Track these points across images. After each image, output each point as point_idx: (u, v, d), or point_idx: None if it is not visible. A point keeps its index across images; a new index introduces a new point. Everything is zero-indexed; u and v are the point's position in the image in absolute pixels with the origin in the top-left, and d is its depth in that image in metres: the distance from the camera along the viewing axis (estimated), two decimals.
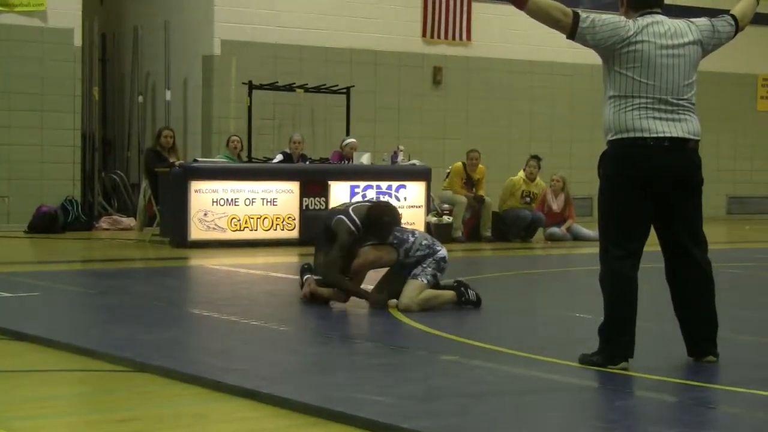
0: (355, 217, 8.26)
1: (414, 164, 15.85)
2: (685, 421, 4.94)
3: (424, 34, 19.40)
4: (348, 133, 17.25)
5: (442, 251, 8.44)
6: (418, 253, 8.30)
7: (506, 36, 19.93)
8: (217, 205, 13.89)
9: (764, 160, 22.82)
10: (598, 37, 6.03)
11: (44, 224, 15.92)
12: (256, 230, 14.08)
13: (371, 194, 14.97)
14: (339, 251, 8.22)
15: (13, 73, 16.63)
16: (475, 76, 19.81)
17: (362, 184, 14.95)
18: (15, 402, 5.33)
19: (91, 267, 12.33)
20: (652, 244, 6.42)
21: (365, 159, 15.64)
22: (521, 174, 16.20)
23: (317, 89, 17.81)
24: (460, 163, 16.25)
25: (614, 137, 6.05)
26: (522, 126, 20.20)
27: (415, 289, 8.24)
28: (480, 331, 7.49)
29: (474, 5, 19.52)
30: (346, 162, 15.76)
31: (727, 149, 22.38)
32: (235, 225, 13.99)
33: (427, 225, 15.25)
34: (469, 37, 19.65)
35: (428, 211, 15.42)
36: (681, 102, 6.05)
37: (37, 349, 6.69)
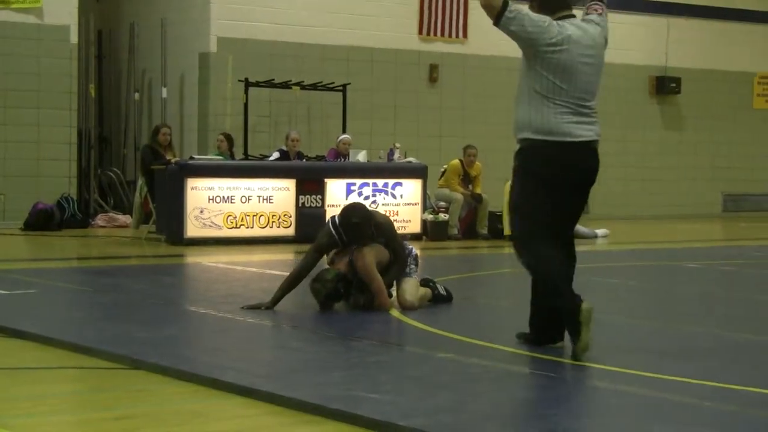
0: (337, 221, 8.27)
1: (410, 162, 15.85)
2: (683, 418, 4.95)
3: (420, 32, 19.40)
4: (344, 131, 17.26)
5: (414, 249, 8.49)
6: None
7: (502, 34, 19.88)
8: (213, 202, 13.88)
9: (760, 158, 22.84)
10: (523, 33, 6.32)
11: (40, 221, 15.91)
12: (252, 228, 14.08)
13: (367, 192, 14.97)
14: (312, 251, 8.22)
15: (9, 70, 16.61)
16: (471, 73, 19.81)
17: (358, 181, 14.95)
18: (11, 400, 5.33)
19: (88, 264, 12.33)
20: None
21: (361, 156, 15.64)
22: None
23: (314, 87, 17.81)
24: (457, 160, 16.25)
25: (536, 137, 6.35)
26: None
27: (414, 287, 8.26)
28: (476, 329, 7.48)
29: (470, 2, 19.52)
30: (343, 159, 15.76)
31: (723, 147, 22.40)
32: (231, 222, 13.98)
33: (424, 222, 15.25)
34: (465, 35, 19.65)
35: (424, 208, 15.42)
36: (592, 105, 6.39)
37: (34, 347, 6.68)
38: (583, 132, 6.38)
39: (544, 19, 6.34)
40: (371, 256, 8.08)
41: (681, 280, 11.25)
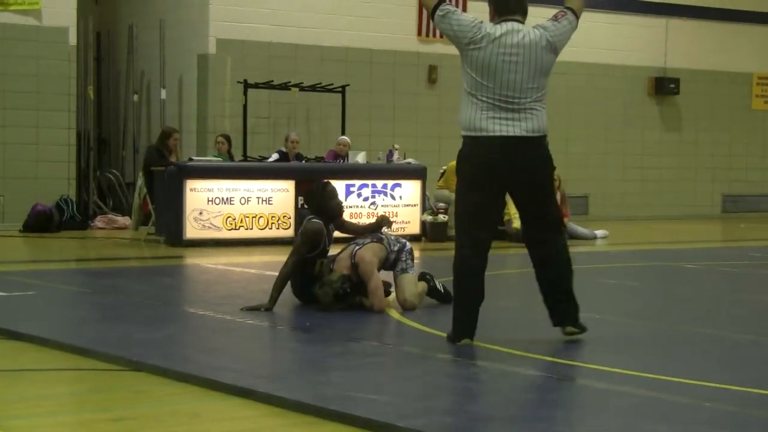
0: (312, 216, 8.35)
1: (409, 163, 15.85)
2: (682, 419, 4.94)
3: (419, 33, 19.40)
4: (343, 132, 17.25)
5: (408, 243, 8.49)
6: (396, 248, 8.32)
7: None
8: (212, 204, 13.88)
9: (759, 159, 22.84)
10: (449, 31, 6.72)
11: (39, 223, 15.90)
12: (251, 229, 14.07)
13: (366, 193, 14.97)
14: (300, 245, 8.21)
15: (7, 72, 16.61)
16: None
17: (357, 182, 14.95)
18: (10, 401, 5.33)
19: (86, 266, 12.32)
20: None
21: (360, 158, 15.64)
22: None
23: (312, 88, 17.80)
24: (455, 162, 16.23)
25: (464, 134, 6.80)
26: None
27: (413, 284, 8.26)
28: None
29: (469, 4, 19.51)
30: (342, 161, 15.76)
31: (722, 147, 22.39)
32: (231, 224, 13.98)
33: (423, 224, 15.25)
34: None
35: (424, 209, 15.41)
36: (521, 102, 6.55)
37: (32, 348, 6.68)
38: (502, 128, 6.57)
39: (471, 20, 6.67)
40: (371, 254, 8.08)
41: (680, 281, 11.25)
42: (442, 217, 15.47)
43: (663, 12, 21.37)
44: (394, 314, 7.95)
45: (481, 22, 6.70)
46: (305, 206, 8.60)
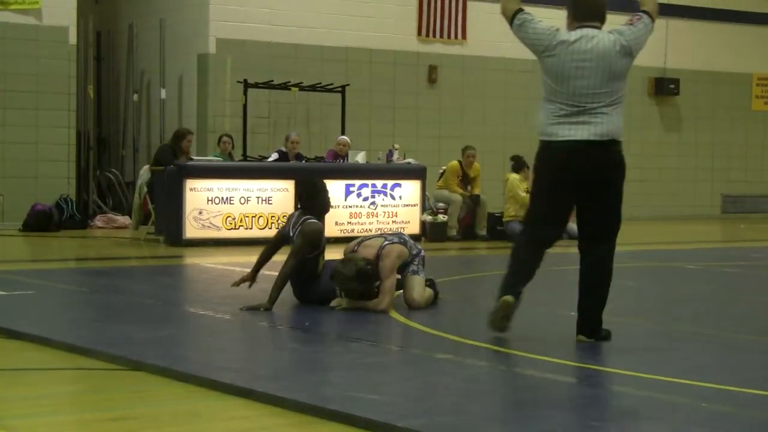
0: (309, 216, 8.36)
1: (409, 163, 15.85)
2: (681, 419, 4.94)
3: (419, 33, 19.40)
4: (343, 132, 17.25)
5: (423, 250, 8.51)
6: (413, 251, 8.34)
7: (501, 35, 19.86)
8: (212, 203, 13.88)
9: (759, 159, 22.85)
10: (526, 40, 6.89)
11: (39, 223, 15.90)
12: (251, 229, 14.07)
13: (366, 193, 14.96)
14: (301, 245, 8.22)
15: (7, 71, 16.61)
16: (470, 74, 19.82)
17: (357, 182, 14.95)
18: (10, 400, 5.33)
19: (86, 265, 12.32)
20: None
21: (360, 158, 15.64)
22: (514, 176, 16.03)
23: (312, 88, 17.80)
24: (455, 162, 16.25)
25: (540, 138, 6.88)
26: (517, 125, 20.20)
27: (422, 285, 8.30)
28: (474, 330, 7.48)
29: (469, 4, 19.53)
30: (341, 160, 15.76)
31: (722, 148, 22.40)
32: (230, 223, 13.98)
33: (423, 224, 15.25)
34: (464, 36, 19.65)
35: (423, 209, 15.42)
36: (591, 107, 6.66)
37: (32, 348, 6.68)
38: (570, 132, 6.68)
39: (547, 28, 6.83)
40: (396, 255, 8.11)
41: (680, 282, 11.25)
42: (441, 217, 15.48)
43: (663, 13, 21.23)
44: (395, 315, 7.95)
45: (557, 29, 6.85)
46: (299, 203, 8.61)
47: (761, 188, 22.83)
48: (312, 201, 8.49)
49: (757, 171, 22.81)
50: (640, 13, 6.96)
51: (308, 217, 8.37)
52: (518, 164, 15.94)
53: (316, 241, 8.28)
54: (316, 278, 8.32)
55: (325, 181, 8.86)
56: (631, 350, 6.77)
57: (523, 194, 15.64)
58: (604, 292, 6.85)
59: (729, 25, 22.19)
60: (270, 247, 8.65)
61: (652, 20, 6.97)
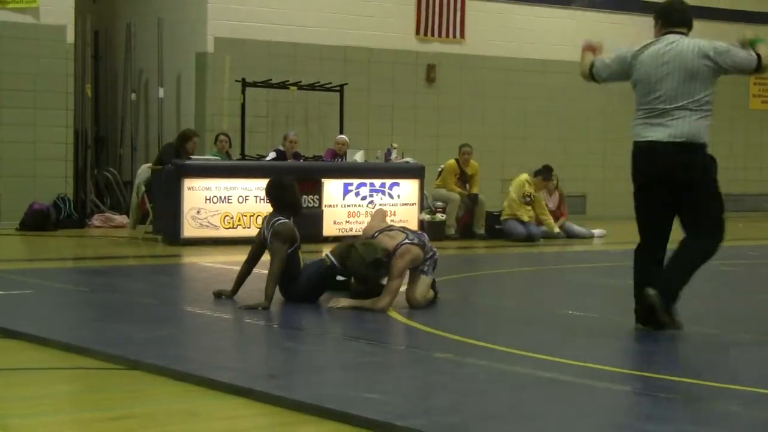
0: (278, 218, 8.35)
1: (407, 162, 15.84)
2: (681, 418, 4.93)
3: (417, 32, 19.39)
4: (341, 131, 17.24)
5: (437, 253, 8.49)
6: (428, 254, 8.33)
7: (500, 34, 19.93)
8: (210, 202, 13.86)
9: (757, 158, 22.84)
10: (614, 75, 7.36)
11: (36, 222, 15.88)
12: (249, 228, 14.04)
13: (365, 192, 14.96)
14: (281, 243, 8.22)
15: (6, 70, 16.59)
16: (468, 74, 19.80)
17: (356, 181, 14.93)
18: (7, 400, 5.31)
19: (84, 264, 12.31)
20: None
21: (359, 156, 15.63)
22: (525, 176, 16.03)
23: (311, 87, 17.79)
24: (453, 160, 16.25)
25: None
26: (516, 124, 20.20)
27: (427, 287, 8.30)
28: (473, 329, 7.47)
29: (468, 3, 19.52)
30: (340, 159, 15.75)
31: (720, 147, 22.32)
32: (228, 222, 13.96)
33: (421, 223, 15.24)
34: (462, 35, 19.64)
35: (421, 208, 15.41)
36: (670, 109, 6.99)
37: (30, 347, 6.67)
38: (649, 133, 7.05)
39: (619, 56, 7.31)
40: (411, 257, 8.09)
41: None
42: (440, 216, 15.47)
43: (643, 9, 21.35)
44: (393, 314, 7.94)
45: (630, 50, 7.28)
46: (272, 201, 8.56)
47: (760, 187, 22.82)
48: (280, 201, 8.48)
49: (756, 170, 22.80)
50: (753, 51, 7.10)
51: (278, 218, 8.36)
52: (540, 171, 16.05)
53: (292, 238, 8.29)
54: (299, 275, 8.33)
55: (292, 178, 8.81)
56: (629, 350, 6.76)
57: (514, 195, 15.65)
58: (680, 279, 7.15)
59: (729, 24, 22.18)
60: (249, 260, 8.68)
61: (759, 61, 7.08)
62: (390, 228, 8.44)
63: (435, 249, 8.46)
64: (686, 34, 7.17)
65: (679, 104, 6.98)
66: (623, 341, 7.06)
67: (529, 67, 20.12)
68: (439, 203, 15.75)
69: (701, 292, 10.12)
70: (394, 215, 14.88)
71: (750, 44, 7.12)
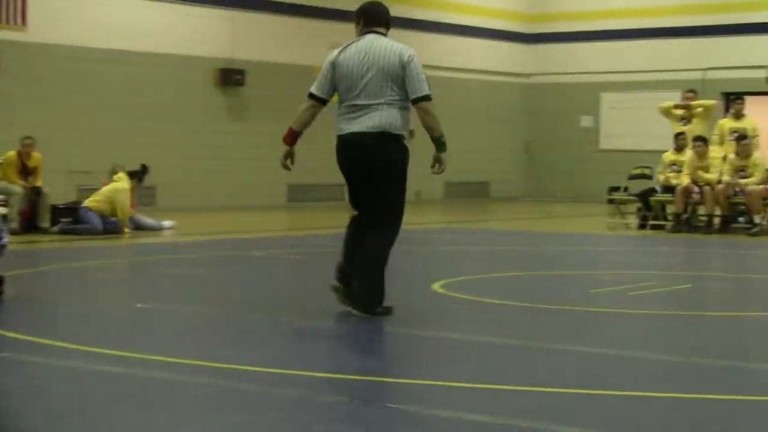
0: None
1: None
2: (253, 408, 4.92)
3: None
4: None
5: (6, 239, 8.12)
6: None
7: (65, 22, 19.30)
8: None
9: (323, 149, 23.39)
10: (329, 85, 7.69)
11: None
12: None
13: None
14: None
15: None
16: (32, 62, 19.00)
17: None
18: None
19: None
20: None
21: None
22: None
23: None
24: (13, 152, 15.54)
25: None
26: (84, 115, 19.62)
27: None
28: (34, 326, 7.13)
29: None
30: None
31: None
32: None
33: None
34: (24, 22, 18.84)
35: None
36: (370, 104, 7.44)
37: None
38: (350, 126, 7.52)
39: (324, 67, 7.73)
40: None
41: (248, 269, 11.35)
42: (2, 210, 14.73)
43: (230, 4, 21.55)
44: None
45: (332, 55, 7.69)
46: None
47: (325, 177, 23.54)
48: None
49: (322, 160, 23.40)
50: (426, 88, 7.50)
51: None
52: (136, 172, 15.72)
53: None
54: None
55: None
56: (198, 340, 6.70)
57: (123, 198, 15.20)
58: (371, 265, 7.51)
59: (297, 18, 22.73)
60: None
61: (427, 99, 7.47)
62: None
63: (4, 236, 8.05)
64: (385, 34, 7.61)
65: (378, 101, 7.41)
66: (195, 333, 6.99)
67: (95, 57, 19.62)
68: (1, 197, 15.01)
69: (266, 280, 10.28)
70: None
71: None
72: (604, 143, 26.31)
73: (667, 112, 18.15)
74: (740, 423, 4.95)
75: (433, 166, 7.57)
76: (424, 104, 7.43)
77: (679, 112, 17.89)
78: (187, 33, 20.63)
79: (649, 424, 4.83)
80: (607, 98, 26.24)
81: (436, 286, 9.29)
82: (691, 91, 18.47)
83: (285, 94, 22.68)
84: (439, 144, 7.52)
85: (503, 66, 26.83)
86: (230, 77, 21.49)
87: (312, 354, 6.41)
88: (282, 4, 22.50)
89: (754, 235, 15.70)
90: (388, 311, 7.49)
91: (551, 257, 13.17)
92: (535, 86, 27.46)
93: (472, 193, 26.01)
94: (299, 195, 22.84)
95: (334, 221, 19.33)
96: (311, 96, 7.76)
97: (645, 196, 17.01)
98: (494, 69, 26.49)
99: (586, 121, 26.64)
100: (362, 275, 7.50)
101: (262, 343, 6.75)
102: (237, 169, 21.93)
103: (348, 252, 7.62)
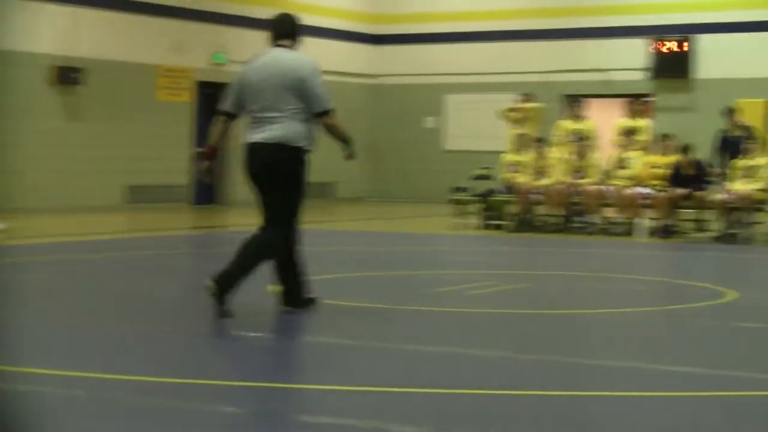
0: None
1: None
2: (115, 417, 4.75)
3: None
4: None
5: None
6: None
7: None
8: None
9: (164, 149, 23.05)
10: (240, 98, 7.81)
11: None
12: None
13: None
14: None
15: None
16: None
17: None
18: None
19: None
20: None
21: None
22: None
23: None
24: None
25: None
26: None
27: None
28: None
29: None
30: None
31: (128, 138, 22.36)
32: None
33: None
34: None
35: None
36: (270, 117, 7.66)
37: None
38: (253, 135, 7.73)
39: (233, 81, 7.98)
40: None
41: (83, 274, 11.06)
42: None
43: (71, 0, 21.02)
44: None
45: (243, 68, 7.94)
46: None
47: (166, 178, 23.17)
48: None
49: (163, 161, 23.09)
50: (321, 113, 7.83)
51: None
52: None
53: None
54: None
55: None
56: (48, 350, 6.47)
57: None
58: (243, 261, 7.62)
59: (138, 16, 22.31)
60: None
61: (328, 114, 7.84)
62: None
63: None
64: (290, 47, 7.83)
65: (278, 113, 7.62)
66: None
67: None
68: None
69: (105, 286, 10.03)
70: None
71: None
72: (449, 144, 26.61)
73: (502, 115, 18.85)
74: (576, 418, 4.99)
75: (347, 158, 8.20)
76: (325, 119, 7.81)
77: (514, 114, 18.59)
78: (28, 30, 20.03)
79: (497, 420, 4.84)
80: (451, 99, 26.53)
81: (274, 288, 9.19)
82: (525, 95, 19.10)
83: (126, 94, 22.28)
84: (347, 142, 8.07)
85: (348, 67, 26.86)
86: (68, 75, 20.95)
87: (156, 360, 6.24)
88: (124, 2, 22.05)
89: (591, 234, 16.06)
90: (226, 313, 7.46)
91: (395, 257, 13.21)
92: (380, 87, 27.59)
93: (317, 193, 25.98)
94: (138, 196, 22.38)
95: (174, 222, 19.13)
96: (220, 111, 7.96)
97: (486, 196, 17.24)
98: (339, 69, 26.49)
99: (430, 122, 26.90)
100: (234, 259, 7.60)
101: (101, 349, 6.55)
102: (75, 169, 21.40)
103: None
